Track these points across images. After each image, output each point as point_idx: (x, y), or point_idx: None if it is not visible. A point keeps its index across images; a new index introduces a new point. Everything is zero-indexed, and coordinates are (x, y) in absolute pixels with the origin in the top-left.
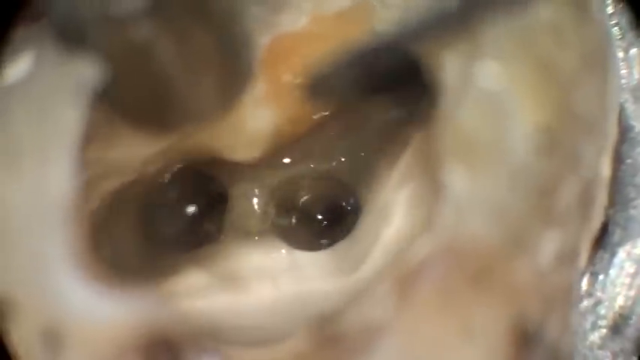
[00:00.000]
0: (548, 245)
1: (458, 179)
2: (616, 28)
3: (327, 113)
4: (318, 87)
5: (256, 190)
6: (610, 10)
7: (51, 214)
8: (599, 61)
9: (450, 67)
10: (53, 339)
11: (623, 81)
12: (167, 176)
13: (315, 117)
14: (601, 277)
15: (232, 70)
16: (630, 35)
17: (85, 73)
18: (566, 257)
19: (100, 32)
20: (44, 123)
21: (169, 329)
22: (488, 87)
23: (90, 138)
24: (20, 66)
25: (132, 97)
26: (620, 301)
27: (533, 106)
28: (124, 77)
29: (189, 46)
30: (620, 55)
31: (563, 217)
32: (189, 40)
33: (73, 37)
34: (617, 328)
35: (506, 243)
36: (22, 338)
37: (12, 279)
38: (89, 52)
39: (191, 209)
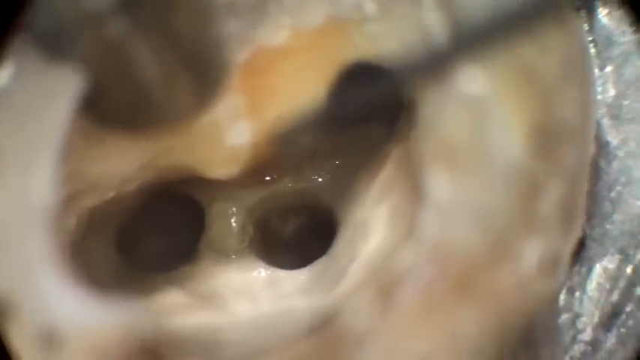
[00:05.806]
0: (531, 253)
1: (440, 185)
2: (592, 45)
3: None
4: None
5: (234, 209)
6: (586, 27)
7: (33, 223)
8: (578, 69)
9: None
10: (51, 339)
11: (599, 97)
12: (144, 196)
13: None
14: (578, 292)
15: (206, 72)
16: (605, 53)
17: (66, 82)
18: (549, 266)
19: (80, 33)
20: (26, 132)
21: (152, 340)
22: (470, 91)
23: (71, 149)
24: (1, 76)
25: (110, 100)
26: (597, 316)
27: (516, 110)
28: (102, 79)
29: (162, 47)
30: (596, 72)
31: (546, 224)
32: (161, 41)
33: (54, 46)
34: (596, 342)
35: (489, 249)
36: (21, 338)
37: (6, 280)
38: (70, 60)
39: (167, 231)
